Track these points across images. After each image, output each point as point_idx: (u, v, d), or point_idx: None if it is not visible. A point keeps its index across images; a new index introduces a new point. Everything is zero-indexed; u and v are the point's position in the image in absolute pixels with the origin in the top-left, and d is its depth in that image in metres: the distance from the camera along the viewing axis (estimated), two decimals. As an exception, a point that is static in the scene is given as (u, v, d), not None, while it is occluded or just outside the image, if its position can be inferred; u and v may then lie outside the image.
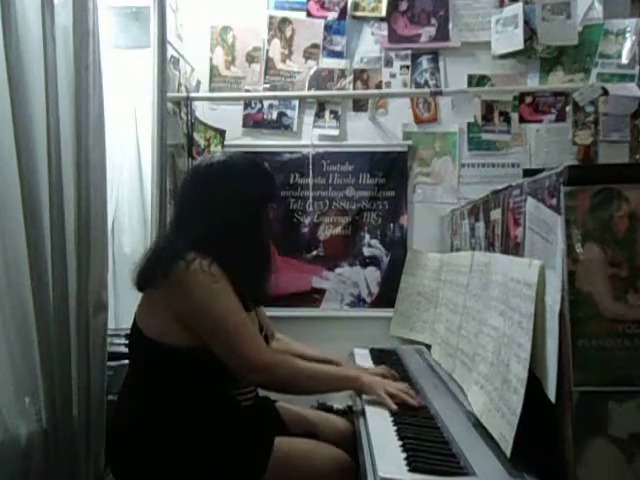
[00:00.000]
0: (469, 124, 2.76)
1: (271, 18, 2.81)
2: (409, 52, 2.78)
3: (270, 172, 1.72)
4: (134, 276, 1.58)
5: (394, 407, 1.47)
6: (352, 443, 1.54)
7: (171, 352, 1.49)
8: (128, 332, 2.03)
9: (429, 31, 2.77)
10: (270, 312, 1.87)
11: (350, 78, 2.80)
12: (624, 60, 2.58)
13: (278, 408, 1.76)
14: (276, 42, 2.81)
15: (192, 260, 1.46)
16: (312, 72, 2.80)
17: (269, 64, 2.82)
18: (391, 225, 2.78)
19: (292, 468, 1.49)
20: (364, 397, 1.59)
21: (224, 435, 1.50)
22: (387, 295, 2.73)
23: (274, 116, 2.82)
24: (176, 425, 1.47)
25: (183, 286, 1.46)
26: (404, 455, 1.19)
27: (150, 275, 1.53)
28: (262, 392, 1.72)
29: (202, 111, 2.77)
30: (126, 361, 1.79)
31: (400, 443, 1.26)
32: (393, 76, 2.79)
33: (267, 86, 2.80)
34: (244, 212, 1.56)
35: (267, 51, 2.82)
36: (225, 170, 1.61)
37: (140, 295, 1.61)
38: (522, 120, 2.65)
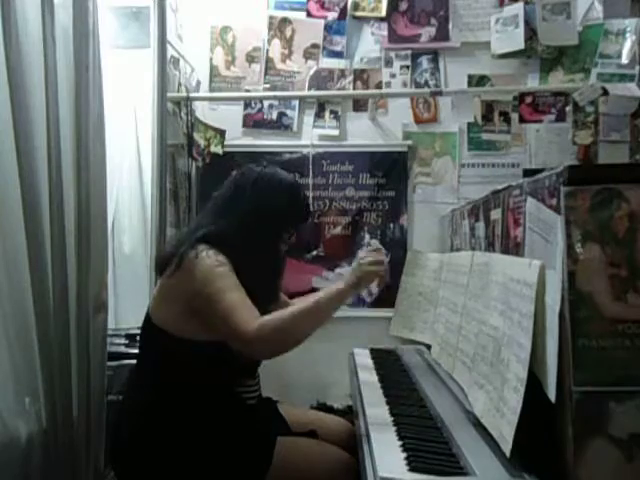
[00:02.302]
0: (469, 124, 2.76)
1: (271, 18, 2.81)
2: (409, 52, 2.78)
3: (305, 197, 1.76)
4: (156, 260, 1.65)
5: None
6: (353, 443, 1.54)
7: (180, 343, 1.50)
8: (128, 332, 2.04)
9: (429, 31, 2.77)
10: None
11: (350, 78, 2.80)
12: (624, 60, 2.58)
13: (279, 408, 1.76)
14: (276, 42, 2.81)
15: (201, 250, 1.50)
16: (312, 72, 2.80)
17: (269, 64, 2.82)
18: (391, 225, 2.78)
19: (293, 468, 1.50)
20: (364, 397, 1.59)
21: (228, 434, 1.50)
22: (387, 295, 2.73)
23: (274, 116, 2.82)
24: (181, 422, 1.48)
25: (190, 271, 1.49)
26: (404, 455, 1.19)
27: (167, 262, 1.56)
28: (264, 393, 1.73)
29: (202, 111, 2.77)
30: (126, 361, 1.79)
31: (400, 443, 1.25)
32: (393, 76, 2.79)
33: (267, 86, 2.80)
34: (267, 225, 1.60)
35: (267, 51, 2.82)
36: (261, 185, 1.64)
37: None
38: (522, 120, 2.65)
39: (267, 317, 1.45)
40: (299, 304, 1.54)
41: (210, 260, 1.49)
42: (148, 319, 1.58)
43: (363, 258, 1.58)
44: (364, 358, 2.16)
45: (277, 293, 1.75)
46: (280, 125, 2.83)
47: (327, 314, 1.52)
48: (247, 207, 1.60)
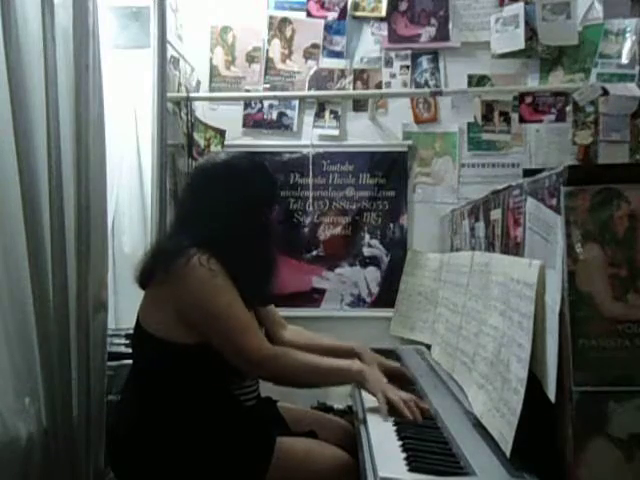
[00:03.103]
0: (469, 124, 2.76)
1: (271, 18, 2.81)
2: (409, 52, 2.78)
3: (272, 174, 1.73)
4: (136, 274, 1.60)
5: (385, 414, 1.43)
6: (353, 443, 1.54)
7: (173, 349, 1.49)
8: (128, 332, 2.03)
9: (429, 31, 2.77)
10: (270, 312, 1.86)
11: (350, 78, 2.80)
12: (624, 60, 2.58)
13: (279, 408, 1.76)
14: (276, 42, 2.82)
15: (192, 256, 1.47)
16: (312, 72, 2.80)
17: (269, 64, 2.82)
18: (391, 225, 2.78)
19: (293, 468, 1.50)
20: (364, 397, 1.59)
21: (227, 435, 1.50)
22: (387, 295, 2.73)
23: (274, 116, 2.82)
24: (179, 424, 1.47)
25: (182, 281, 1.48)
26: (404, 455, 1.19)
27: (152, 273, 1.54)
28: (264, 392, 1.73)
29: (202, 111, 2.77)
30: (126, 361, 1.79)
31: (400, 443, 1.26)
32: (393, 76, 2.79)
33: (267, 86, 2.80)
34: (246, 213, 1.58)
35: (267, 51, 2.82)
36: (228, 170, 1.62)
37: (140, 295, 1.61)
38: (522, 120, 2.65)
39: (287, 351, 1.57)
40: (319, 357, 1.58)
41: (203, 270, 1.46)
42: (138, 325, 1.58)
43: (394, 390, 1.50)
44: (364, 358, 2.16)
45: (270, 290, 1.71)
46: (280, 125, 2.83)
47: (334, 383, 1.66)
48: (222, 200, 1.56)
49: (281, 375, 1.53)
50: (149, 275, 1.56)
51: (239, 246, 1.54)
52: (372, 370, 1.60)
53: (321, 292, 2.78)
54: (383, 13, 2.77)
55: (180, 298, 1.49)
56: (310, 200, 2.78)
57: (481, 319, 1.45)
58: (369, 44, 2.80)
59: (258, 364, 1.49)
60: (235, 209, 1.56)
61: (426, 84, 2.77)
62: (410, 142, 2.78)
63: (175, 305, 1.50)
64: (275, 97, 2.79)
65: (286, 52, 2.81)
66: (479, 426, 1.29)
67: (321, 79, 2.80)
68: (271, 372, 1.53)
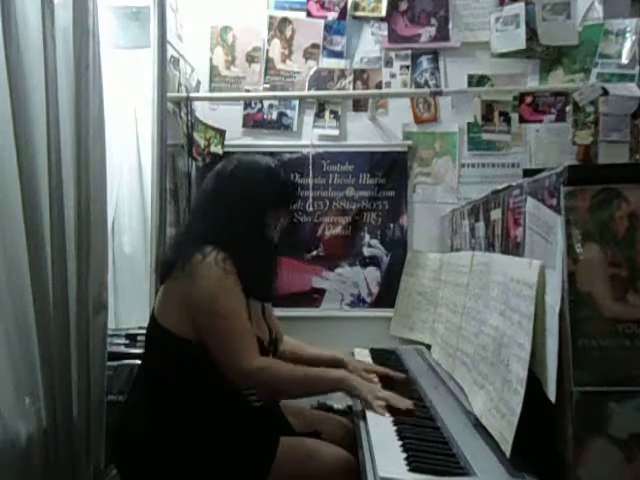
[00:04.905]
0: (469, 124, 2.76)
1: (271, 18, 2.81)
2: (409, 52, 2.78)
3: (288, 177, 1.76)
4: (156, 267, 1.67)
5: (382, 412, 1.44)
6: (353, 443, 1.55)
7: (184, 345, 1.51)
8: (128, 332, 2.04)
9: (429, 31, 2.77)
10: (270, 312, 1.86)
11: (350, 78, 2.80)
12: (624, 60, 2.58)
13: (281, 407, 1.76)
14: (276, 42, 2.81)
15: (209, 253, 1.50)
16: (312, 72, 2.80)
17: (269, 64, 2.82)
18: (391, 225, 2.78)
19: (295, 467, 1.50)
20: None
21: (232, 434, 1.51)
22: (387, 295, 2.73)
23: (274, 116, 2.82)
24: (188, 423, 1.48)
25: (195, 278, 1.50)
26: (404, 455, 1.19)
27: (170, 267, 1.56)
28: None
29: (202, 111, 2.77)
30: (126, 361, 1.79)
31: (400, 443, 1.26)
32: (393, 76, 2.79)
33: (267, 86, 2.80)
34: (255, 213, 1.60)
35: (267, 51, 2.82)
36: (245, 173, 1.64)
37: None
38: (522, 120, 2.65)
39: (273, 363, 1.57)
40: (302, 368, 1.60)
41: (217, 269, 1.48)
42: (153, 319, 1.59)
43: (378, 390, 1.54)
44: (364, 358, 2.16)
45: (274, 288, 1.74)
46: (280, 125, 2.83)
47: (319, 392, 1.67)
48: (230, 198, 1.60)
49: (266, 387, 1.55)
50: (167, 269, 1.58)
51: (248, 245, 1.55)
52: (355, 376, 1.61)
53: (321, 292, 2.78)
54: (383, 13, 2.77)
55: (190, 294, 1.51)
56: (310, 200, 2.78)
57: (481, 319, 1.45)
58: (369, 44, 2.80)
59: (244, 376, 1.50)
60: (250, 210, 1.59)
61: (426, 84, 2.77)
62: (410, 142, 2.78)
63: (185, 301, 1.51)
64: (275, 97, 2.79)
65: (286, 52, 2.81)
66: (479, 426, 1.29)
67: (321, 79, 2.80)
68: (256, 384, 1.54)
